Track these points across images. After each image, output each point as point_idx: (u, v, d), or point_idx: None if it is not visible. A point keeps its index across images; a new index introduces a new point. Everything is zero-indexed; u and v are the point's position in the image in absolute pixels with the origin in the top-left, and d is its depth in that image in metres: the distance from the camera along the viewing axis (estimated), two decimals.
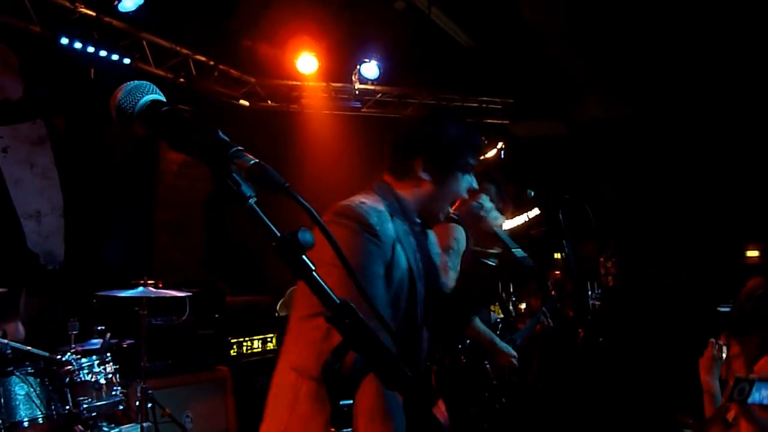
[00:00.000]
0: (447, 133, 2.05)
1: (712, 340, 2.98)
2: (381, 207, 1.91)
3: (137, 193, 6.29)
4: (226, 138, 1.13)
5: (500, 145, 7.94)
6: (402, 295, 1.89)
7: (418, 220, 2.06)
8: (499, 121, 8.16)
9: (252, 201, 1.14)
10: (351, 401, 1.30)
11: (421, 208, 2.05)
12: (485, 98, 8.01)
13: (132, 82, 1.22)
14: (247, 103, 7.33)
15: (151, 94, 1.22)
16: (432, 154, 2.02)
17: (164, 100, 1.21)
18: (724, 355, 2.86)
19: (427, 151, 2.02)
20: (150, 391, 4.31)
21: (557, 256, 7.09)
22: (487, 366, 3.66)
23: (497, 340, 3.65)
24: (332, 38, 6.88)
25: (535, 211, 5.35)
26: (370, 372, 1.30)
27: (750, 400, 1.83)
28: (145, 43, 6.08)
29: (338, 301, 1.24)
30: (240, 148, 1.12)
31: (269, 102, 7.55)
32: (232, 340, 5.70)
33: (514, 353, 3.66)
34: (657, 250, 7.49)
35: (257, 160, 1.11)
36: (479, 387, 3.62)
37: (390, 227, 1.89)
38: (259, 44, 7.00)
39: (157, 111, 1.20)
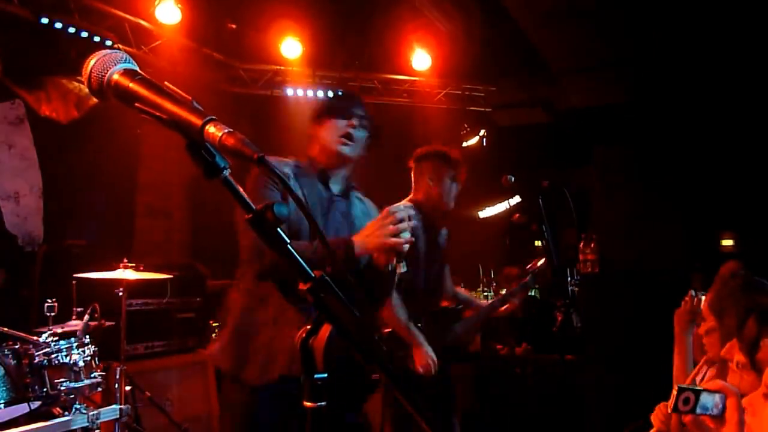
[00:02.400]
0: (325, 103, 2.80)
1: (692, 291, 2.91)
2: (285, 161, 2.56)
3: (118, 174, 6.24)
4: (200, 107, 1.11)
5: (482, 132, 7.97)
6: (301, 227, 2.39)
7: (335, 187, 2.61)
8: (482, 109, 8.18)
9: (227, 173, 1.14)
10: (325, 375, 1.30)
11: (324, 159, 2.59)
12: (467, 86, 8.03)
13: (104, 50, 1.20)
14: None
15: (124, 62, 1.20)
16: (316, 115, 2.62)
17: (137, 68, 1.19)
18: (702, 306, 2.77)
19: (315, 114, 2.63)
20: (130, 374, 4.31)
21: (538, 243, 7.15)
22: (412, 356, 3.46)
23: (418, 336, 3.46)
24: (317, 23, 6.85)
25: (517, 198, 5.37)
26: (346, 346, 1.31)
27: (699, 412, 1.81)
28: (127, 24, 6.02)
29: (314, 275, 1.24)
30: (214, 117, 1.10)
31: (252, 86, 7.51)
32: (213, 324, 5.70)
33: (434, 357, 3.44)
34: (635, 237, 7.56)
35: (231, 129, 1.10)
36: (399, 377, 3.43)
37: (286, 169, 2.49)
38: (243, 28, 6.95)
39: (130, 79, 1.18)
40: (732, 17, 5.91)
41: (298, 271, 1.22)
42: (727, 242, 7.80)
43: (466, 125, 8.04)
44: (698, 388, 1.84)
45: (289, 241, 1.21)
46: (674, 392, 1.82)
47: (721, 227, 7.79)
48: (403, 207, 2.41)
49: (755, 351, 2.09)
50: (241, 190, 1.15)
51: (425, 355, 3.43)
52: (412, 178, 3.83)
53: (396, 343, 3.48)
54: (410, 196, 3.80)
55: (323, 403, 1.34)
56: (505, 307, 4.10)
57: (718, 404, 1.81)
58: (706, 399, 1.81)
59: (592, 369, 5.03)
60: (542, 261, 4.16)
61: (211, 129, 1.09)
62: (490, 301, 4.23)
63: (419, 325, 3.56)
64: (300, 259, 1.23)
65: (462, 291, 4.25)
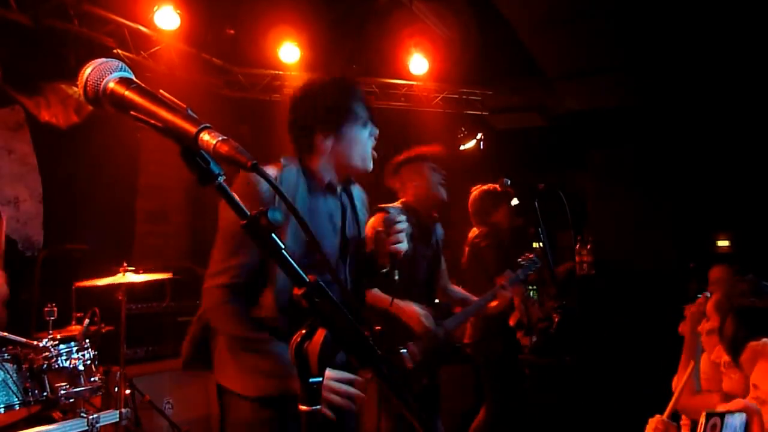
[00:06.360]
0: (327, 98, 2.27)
1: (707, 293, 2.91)
2: (275, 171, 2.23)
3: (118, 179, 6.26)
4: (195, 115, 1.13)
5: (479, 136, 8.01)
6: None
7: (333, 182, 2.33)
8: (478, 113, 8.21)
9: (221, 179, 1.16)
10: (320, 379, 1.33)
11: (338, 169, 2.32)
12: (464, 90, 8.06)
13: (100, 59, 1.22)
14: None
15: (120, 71, 1.22)
16: (324, 124, 2.26)
17: (133, 77, 1.22)
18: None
19: (320, 122, 2.26)
20: (130, 378, 4.33)
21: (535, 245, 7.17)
22: (403, 351, 3.42)
23: (405, 303, 3.38)
24: (314, 28, 6.87)
25: (513, 201, 5.39)
26: (340, 350, 1.33)
27: None
28: (126, 30, 6.04)
29: (308, 280, 1.26)
30: (208, 125, 1.12)
31: (251, 91, 7.54)
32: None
33: (425, 313, 3.40)
34: (630, 239, 7.59)
35: (225, 137, 1.12)
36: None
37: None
38: (241, 33, 6.98)
39: (126, 88, 1.20)
40: (724, 22, 5.93)
41: (292, 276, 1.24)
42: (723, 243, 7.83)
43: (463, 129, 8.09)
44: (723, 411, 1.88)
45: (283, 246, 1.23)
46: (702, 420, 1.86)
47: (716, 228, 7.83)
48: (393, 209, 2.38)
49: (737, 350, 2.08)
50: (235, 197, 1.18)
51: (416, 314, 3.39)
52: (397, 187, 3.88)
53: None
54: (400, 200, 3.83)
55: (318, 407, 1.37)
56: (494, 303, 4.11)
57: (742, 423, 1.86)
58: (730, 420, 1.85)
59: (589, 370, 5.06)
60: (531, 255, 4.19)
61: (205, 137, 1.11)
62: (479, 298, 4.19)
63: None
64: (294, 264, 1.25)
65: (459, 289, 4.24)
